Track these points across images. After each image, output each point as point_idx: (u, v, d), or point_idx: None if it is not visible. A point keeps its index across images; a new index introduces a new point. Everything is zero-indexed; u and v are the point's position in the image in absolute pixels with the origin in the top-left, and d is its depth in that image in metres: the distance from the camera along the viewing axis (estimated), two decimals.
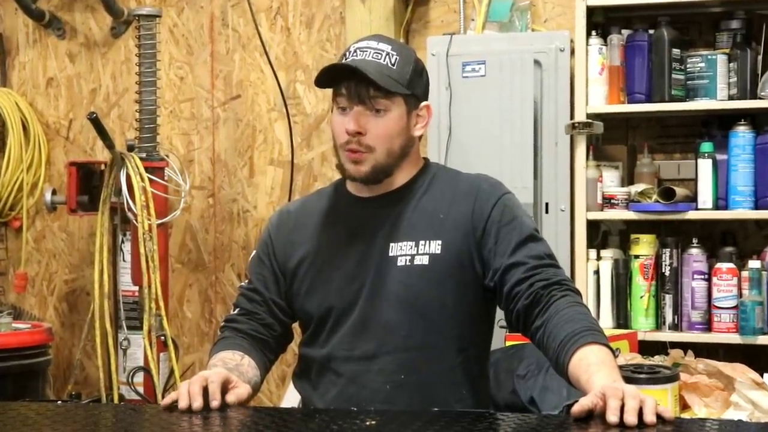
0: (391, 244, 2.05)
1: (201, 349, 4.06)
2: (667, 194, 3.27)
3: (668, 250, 3.32)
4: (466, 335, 2.06)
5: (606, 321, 3.33)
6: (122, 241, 3.65)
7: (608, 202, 3.37)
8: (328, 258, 2.11)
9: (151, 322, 3.48)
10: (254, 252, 2.22)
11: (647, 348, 3.18)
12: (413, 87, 2.06)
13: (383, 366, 2.02)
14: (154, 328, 3.50)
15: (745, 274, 3.24)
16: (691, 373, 2.69)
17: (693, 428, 1.68)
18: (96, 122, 3.46)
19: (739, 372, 2.67)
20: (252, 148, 4.03)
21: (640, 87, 3.34)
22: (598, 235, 3.47)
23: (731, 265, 3.25)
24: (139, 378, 3.50)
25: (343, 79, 2.02)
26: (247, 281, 2.20)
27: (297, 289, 2.13)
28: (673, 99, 3.31)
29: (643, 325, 3.31)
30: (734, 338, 3.23)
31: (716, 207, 3.27)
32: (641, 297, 3.32)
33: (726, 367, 2.70)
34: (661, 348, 3.18)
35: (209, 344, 4.00)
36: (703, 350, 3.17)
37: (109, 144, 3.54)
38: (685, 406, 2.60)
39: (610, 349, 1.83)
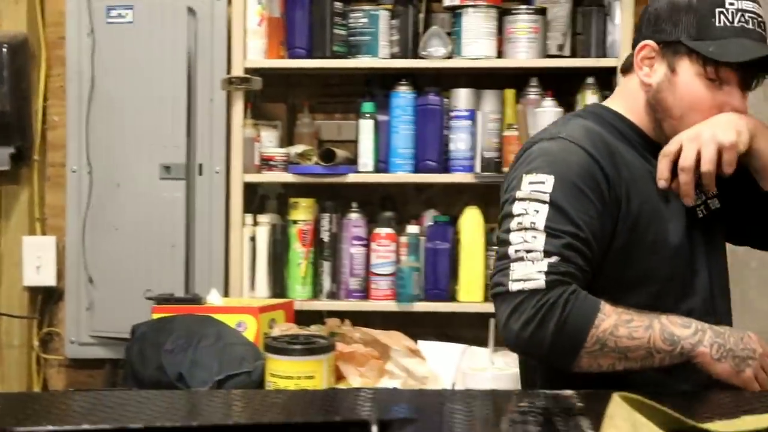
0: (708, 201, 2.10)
1: None
2: (327, 156, 3.49)
3: (328, 215, 3.59)
4: None
5: (262, 290, 3.56)
6: None
7: (266, 163, 3.55)
8: (658, 208, 2.01)
9: None
10: (555, 180, 1.88)
11: (305, 318, 3.42)
12: None
13: None
14: None
15: (403, 239, 3.58)
16: (347, 343, 2.94)
17: (347, 398, 1.82)
18: None
19: (395, 340, 2.97)
20: None
21: (301, 41, 3.56)
22: (256, 199, 3.66)
23: (390, 231, 3.57)
24: None
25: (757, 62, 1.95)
26: (565, 228, 1.85)
27: (636, 240, 1.96)
28: (335, 55, 3.55)
29: (300, 294, 3.56)
30: (391, 305, 3.55)
31: (377, 170, 3.55)
32: (299, 264, 3.57)
33: (382, 336, 2.98)
34: (318, 317, 3.42)
35: None
36: (361, 319, 3.34)
37: None
38: (340, 377, 2.85)
39: None
